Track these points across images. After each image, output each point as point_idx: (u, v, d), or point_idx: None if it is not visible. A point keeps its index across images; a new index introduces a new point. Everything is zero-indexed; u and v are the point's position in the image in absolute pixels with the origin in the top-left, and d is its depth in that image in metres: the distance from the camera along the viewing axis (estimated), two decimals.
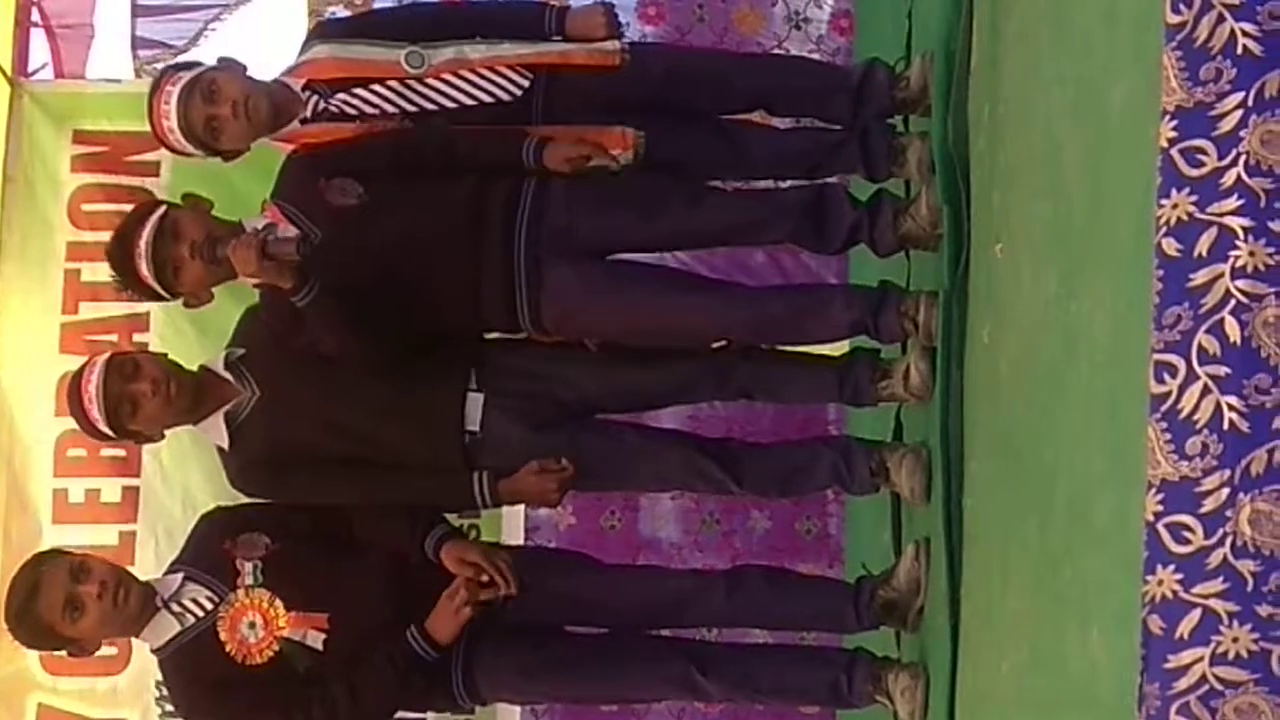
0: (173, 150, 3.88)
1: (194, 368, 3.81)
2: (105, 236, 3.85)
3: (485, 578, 3.65)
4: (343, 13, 5.88)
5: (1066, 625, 2.42)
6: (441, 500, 3.83)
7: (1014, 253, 3.00)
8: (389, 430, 3.75)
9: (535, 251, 3.71)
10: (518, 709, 5.47)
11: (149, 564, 5.32)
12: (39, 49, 6.09)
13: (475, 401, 3.75)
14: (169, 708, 5.16)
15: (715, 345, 3.90)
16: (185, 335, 5.41)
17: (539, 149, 3.71)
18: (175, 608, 3.70)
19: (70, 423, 5.13)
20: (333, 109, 3.82)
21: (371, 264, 3.71)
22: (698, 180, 3.91)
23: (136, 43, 6.68)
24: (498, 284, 3.72)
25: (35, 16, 6.04)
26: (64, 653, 3.81)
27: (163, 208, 3.71)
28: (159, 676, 5.06)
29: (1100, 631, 2.26)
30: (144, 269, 3.63)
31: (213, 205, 3.76)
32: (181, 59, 4.09)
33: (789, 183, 4.09)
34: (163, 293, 3.70)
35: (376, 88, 3.81)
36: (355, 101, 3.81)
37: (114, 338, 5.54)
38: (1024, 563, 2.77)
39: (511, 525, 5.41)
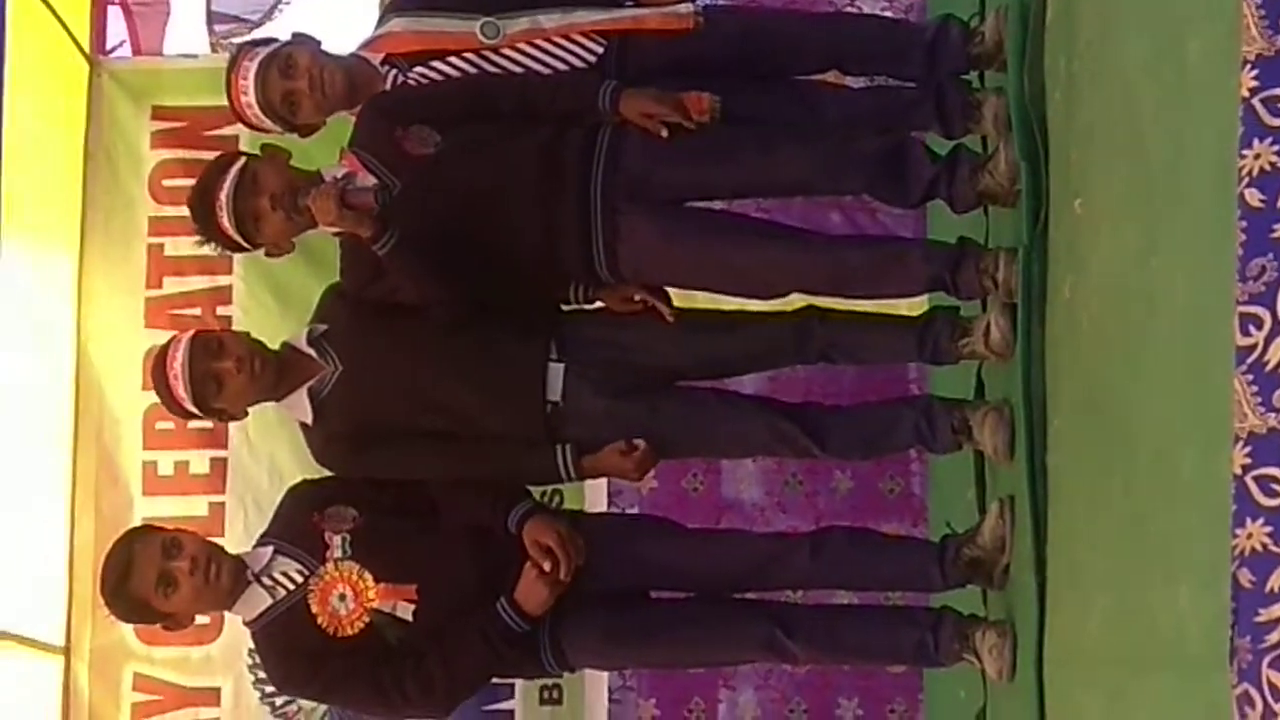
0: (251, 126, 3.91)
1: (276, 345, 3.84)
2: (186, 211, 3.88)
3: (549, 565, 3.65)
4: None
5: (1154, 580, 2.41)
6: (526, 474, 3.85)
7: (1093, 208, 2.98)
8: (471, 403, 3.77)
9: (611, 199, 3.71)
10: (605, 674, 5.51)
11: (238, 534, 5.40)
12: (116, 27, 6.18)
13: (556, 372, 3.76)
14: (261, 675, 5.25)
15: (792, 309, 3.89)
16: (267, 306, 5.48)
17: (615, 95, 3.71)
18: (266, 581, 3.74)
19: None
20: (411, 82, 3.83)
21: (450, 211, 3.72)
22: (775, 129, 3.90)
23: (212, 18, 6.75)
24: (574, 232, 3.72)
25: None
26: (159, 627, 3.86)
27: (242, 159, 3.74)
28: (251, 645, 5.20)
29: (1189, 586, 2.25)
30: (225, 220, 3.66)
31: (290, 156, 3.78)
32: (256, 34, 4.09)
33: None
34: (244, 243, 3.74)
35: (453, 59, 3.82)
36: (433, 74, 3.82)
37: (197, 311, 5.61)
38: (1110, 519, 2.75)
39: (594, 489, 5.42)
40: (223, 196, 3.64)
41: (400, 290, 3.71)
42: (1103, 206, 2.89)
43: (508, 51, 3.82)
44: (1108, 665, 2.76)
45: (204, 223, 3.71)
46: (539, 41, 3.82)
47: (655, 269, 3.79)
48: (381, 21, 3.95)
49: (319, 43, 3.87)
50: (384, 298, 3.75)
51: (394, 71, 3.84)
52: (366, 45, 3.90)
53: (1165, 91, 2.49)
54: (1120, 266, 2.72)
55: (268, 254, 3.82)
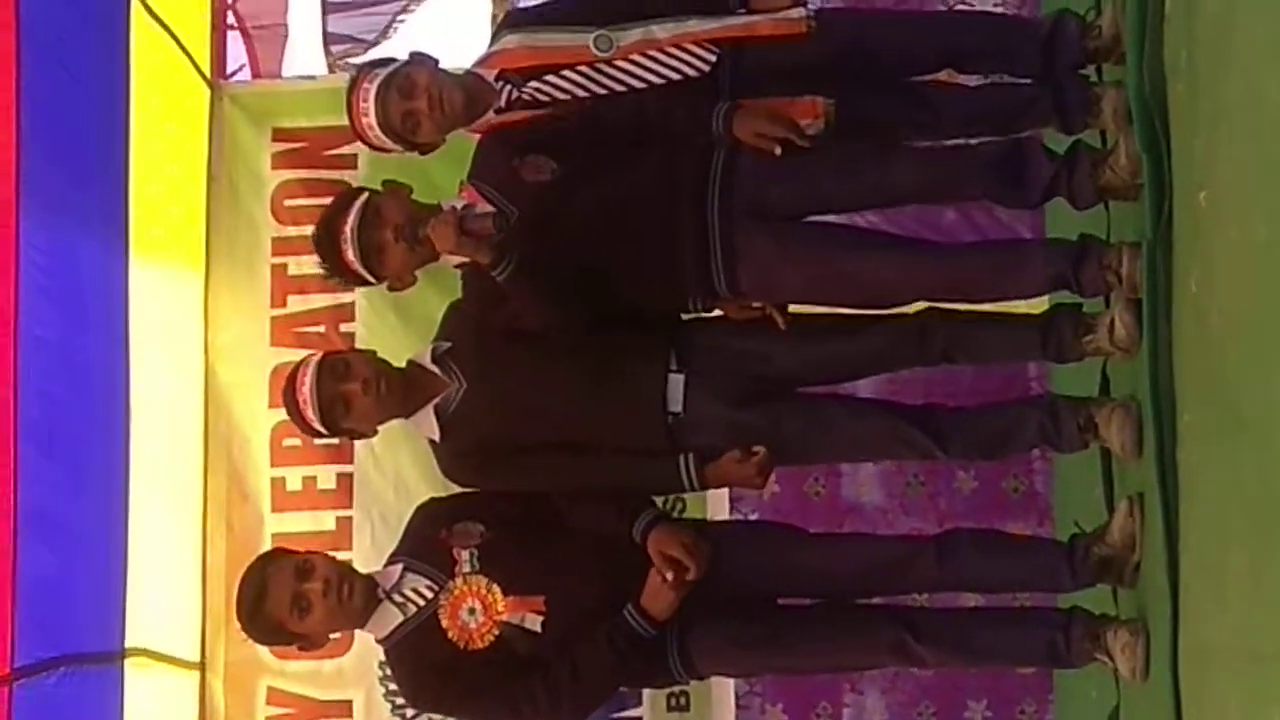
0: (372, 146, 3.95)
1: (401, 363, 3.89)
2: (308, 230, 3.93)
3: (674, 575, 3.66)
4: (528, 1, 5.93)
5: None
6: (649, 484, 3.86)
7: (1219, 200, 2.94)
8: (594, 415, 3.79)
9: (728, 220, 3.72)
10: (731, 681, 5.50)
11: (365, 548, 5.47)
12: (236, 51, 6.27)
13: (676, 382, 3.77)
14: (392, 687, 5.30)
15: (912, 309, 3.87)
16: (390, 324, 5.52)
17: (729, 116, 3.72)
18: (397, 598, 3.79)
19: (284, 413, 5.33)
20: (526, 97, 3.86)
21: (569, 237, 3.75)
22: (889, 139, 3.88)
23: (328, 39, 6.84)
24: (693, 252, 3.73)
25: (230, 19, 6.20)
26: (295, 648, 3.93)
27: (365, 194, 3.79)
28: (382, 657, 5.25)
29: None
30: (350, 254, 3.71)
31: (412, 190, 3.83)
32: (373, 54, 4.14)
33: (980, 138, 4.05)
34: (368, 277, 3.79)
35: (567, 73, 3.84)
36: (547, 88, 3.85)
37: (321, 328, 5.67)
38: (1244, 513, 2.71)
39: (716, 497, 5.41)
40: (347, 230, 3.69)
41: (521, 316, 3.75)
42: (1229, 198, 2.85)
43: (621, 63, 3.84)
44: (1246, 661, 2.71)
45: (329, 257, 3.77)
46: (652, 52, 3.84)
47: (776, 286, 3.79)
48: (496, 38, 3.99)
49: (436, 61, 3.90)
50: (506, 324, 3.79)
51: (509, 87, 3.88)
52: (481, 62, 3.95)
53: None
54: (1248, 258, 2.68)
55: (391, 288, 3.86)
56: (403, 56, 3.95)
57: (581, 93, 3.84)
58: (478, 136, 3.93)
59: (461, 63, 3.99)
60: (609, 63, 3.84)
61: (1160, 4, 3.42)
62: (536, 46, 3.88)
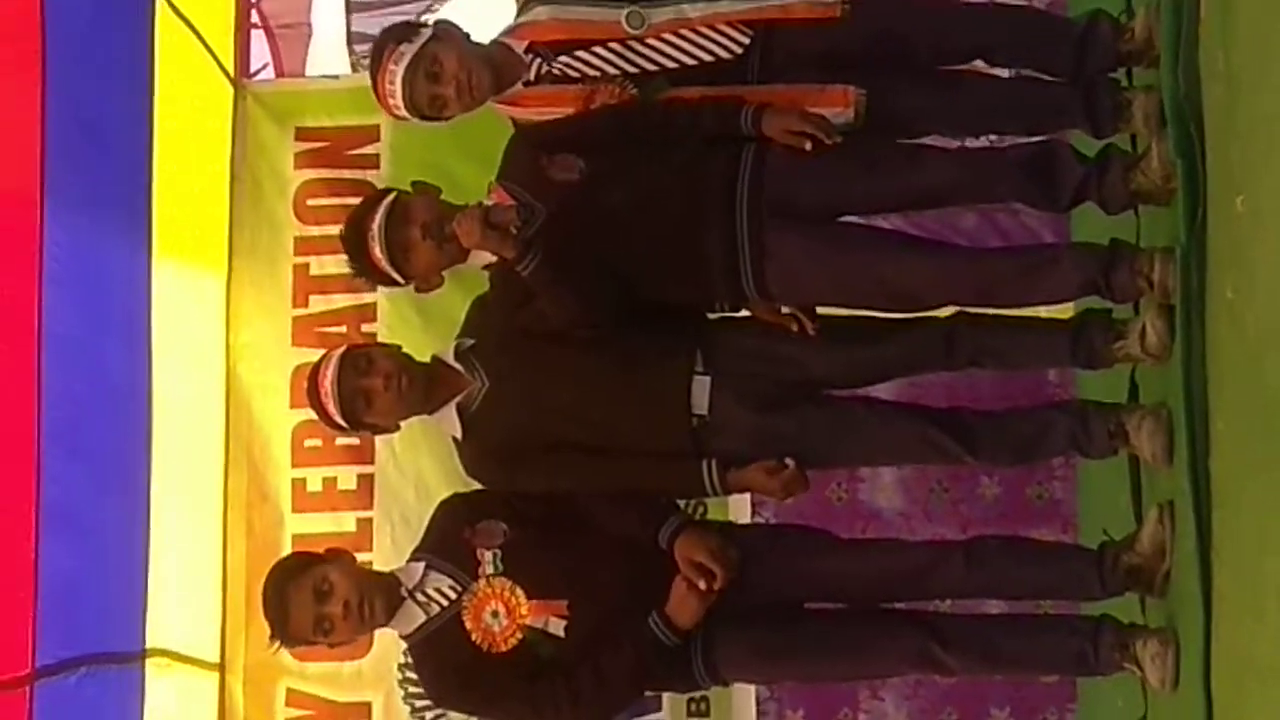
0: (399, 119, 3.88)
1: (425, 359, 3.87)
2: (331, 230, 3.94)
3: (703, 582, 3.64)
4: None
5: None
6: (671, 487, 3.83)
7: (1257, 205, 2.90)
8: (617, 416, 3.77)
9: (757, 221, 3.69)
10: (753, 686, 5.48)
11: (385, 549, 5.47)
12: (259, 50, 6.26)
13: (702, 385, 3.74)
14: (411, 689, 5.29)
15: (941, 313, 3.84)
16: (411, 324, 5.51)
17: (757, 116, 3.69)
18: (420, 597, 3.77)
19: (305, 413, 5.30)
20: (555, 72, 3.82)
21: (596, 235, 3.73)
22: (918, 139, 3.85)
23: (352, 38, 6.82)
24: (721, 253, 3.70)
25: (255, 18, 6.19)
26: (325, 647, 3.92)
27: (394, 193, 3.77)
28: (401, 660, 5.25)
29: None
30: (376, 252, 3.69)
31: (440, 191, 3.80)
32: (391, 24, 4.03)
33: (1010, 140, 4.01)
34: (395, 276, 3.75)
35: (598, 49, 3.80)
36: (577, 64, 3.81)
37: (343, 329, 5.67)
38: None
39: (738, 501, 5.39)
40: (374, 227, 3.67)
41: (545, 315, 3.72)
42: (1267, 203, 2.82)
43: (652, 41, 3.80)
44: None
45: (356, 255, 3.74)
46: (684, 31, 3.79)
47: (804, 287, 3.76)
48: (526, 8, 3.91)
49: (463, 34, 3.83)
50: (531, 324, 3.77)
51: (538, 60, 3.83)
52: (510, 32, 3.89)
53: None
54: None
55: (418, 289, 3.81)
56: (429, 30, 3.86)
57: (612, 70, 3.79)
58: (506, 109, 3.87)
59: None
60: (640, 40, 3.80)
61: (1195, 6, 3.39)
62: (567, 20, 3.84)
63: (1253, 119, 2.95)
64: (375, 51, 3.83)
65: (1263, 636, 2.79)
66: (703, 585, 3.62)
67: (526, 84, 3.85)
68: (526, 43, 3.85)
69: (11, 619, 4.12)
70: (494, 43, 3.89)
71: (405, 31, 3.86)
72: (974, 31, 3.92)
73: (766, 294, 3.75)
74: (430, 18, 5.29)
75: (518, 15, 3.94)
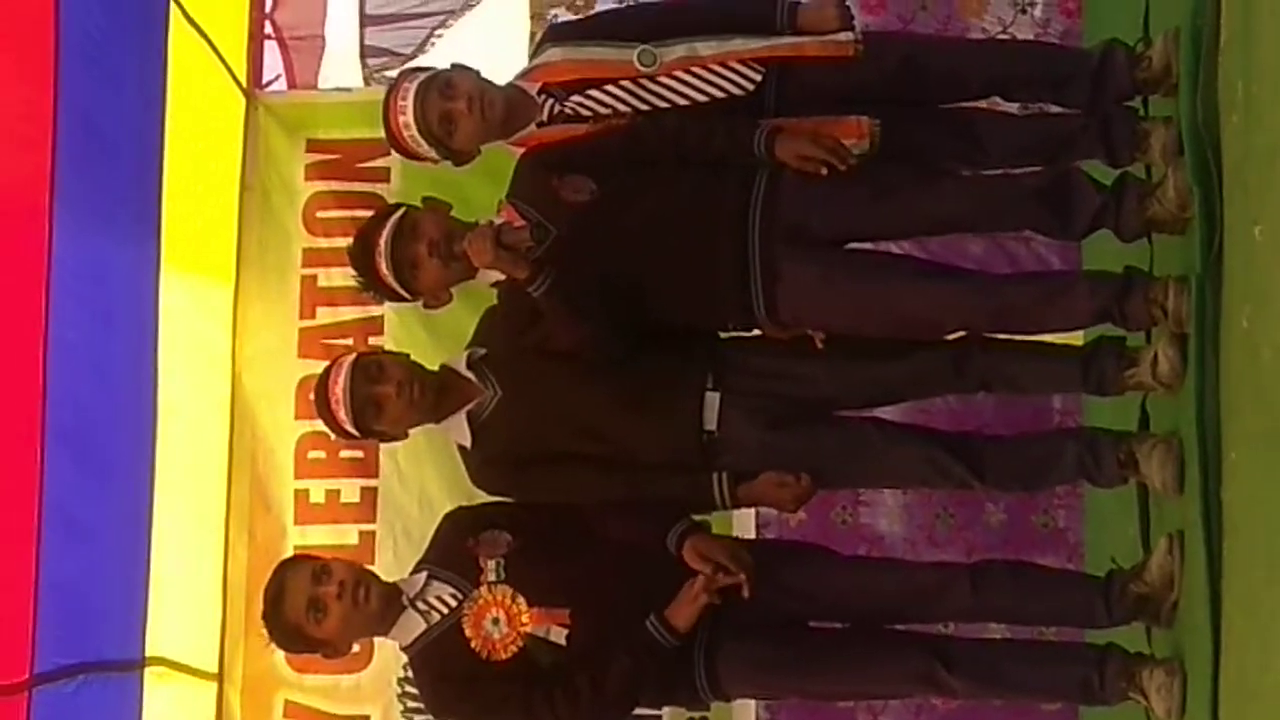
0: (405, 152, 3.90)
1: (435, 367, 3.86)
2: (339, 242, 3.95)
3: (722, 576, 3.63)
4: (566, 15, 5.91)
5: None
6: (680, 500, 3.81)
7: (1274, 235, 2.90)
8: (627, 429, 3.77)
9: (769, 246, 3.69)
10: (752, 702, 5.46)
11: (388, 563, 5.44)
12: (272, 61, 6.26)
13: (712, 401, 3.74)
14: (410, 704, 5.28)
15: (952, 336, 3.83)
16: (418, 338, 5.49)
17: (770, 139, 3.69)
18: (420, 606, 3.76)
19: (309, 425, 5.32)
20: (568, 111, 3.84)
21: (607, 257, 3.73)
22: (933, 166, 3.85)
23: (365, 51, 6.83)
24: (732, 278, 3.71)
25: (268, 30, 6.20)
26: (320, 655, 3.88)
27: (403, 209, 3.77)
28: (400, 674, 5.23)
29: None
30: (384, 267, 3.69)
31: (451, 207, 3.81)
32: (410, 65, 4.11)
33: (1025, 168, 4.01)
34: (402, 292, 3.76)
35: (610, 88, 3.82)
36: (590, 103, 3.82)
37: (350, 341, 5.63)
38: None
39: (742, 519, 5.38)
40: (382, 242, 3.68)
41: (555, 336, 3.72)
42: None
43: (665, 79, 3.81)
44: None
45: (363, 269, 3.75)
46: (696, 69, 3.81)
47: (815, 313, 3.75)
48: (539, 51, 3.97)
49: (477, 72, 3.88)
50: (540, 344, 3.77)
51: (551, 100, 3.85)
52: (524, 75, 3.93)
53: None
54: None
55: (426, 305, 3.84)
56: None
57: (624, 108, 3.81)
58: (518, 151, 3.90)
59: (499, 79, 3.96)
60: (652, 78, 3.81)
61: (1214, 35, 3.39)
62: (580, 60, 3.86)
63: (1271, 148, 2.94)
64: (391, 84, 3.87)
65: (1270, 667, 2.77)
66: (721, 579, 3.61)
67: (540, 125, 3.86)
68: (540, 84, 3.87)
69: (11, 624, 4.09)
70: (508, 84, 3.91)
71: (422, 68, 3.93)
72: (991, 67, 3.94)
73: (778, 319, 3.75)
74: (443, 33, 5.30)
75: (531, 58, 3.98)
